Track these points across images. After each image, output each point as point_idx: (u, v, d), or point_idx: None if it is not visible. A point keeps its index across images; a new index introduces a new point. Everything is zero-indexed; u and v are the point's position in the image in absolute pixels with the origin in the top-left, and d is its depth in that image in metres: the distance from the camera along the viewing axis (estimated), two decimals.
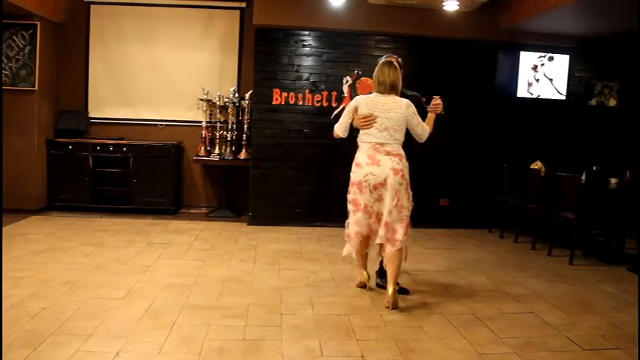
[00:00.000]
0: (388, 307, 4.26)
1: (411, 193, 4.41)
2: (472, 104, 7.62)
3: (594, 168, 6.56)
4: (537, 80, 7.67)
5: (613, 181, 6.11)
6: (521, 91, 7.68)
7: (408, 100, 4.42)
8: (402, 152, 4.40)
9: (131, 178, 7.61)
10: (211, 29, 7.98)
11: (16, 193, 7.19)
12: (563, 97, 7.75)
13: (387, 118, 4.34)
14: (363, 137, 4.43)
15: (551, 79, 7.69)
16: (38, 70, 7.27)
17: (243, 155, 7.67)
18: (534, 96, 7.68)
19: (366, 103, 4.40)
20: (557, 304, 4.52)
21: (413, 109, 4.39)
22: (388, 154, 4.34)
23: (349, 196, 4.49)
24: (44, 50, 7.37)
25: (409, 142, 4.55)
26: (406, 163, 4.39)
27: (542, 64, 7.65)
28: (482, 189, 7.64)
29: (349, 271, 5.28)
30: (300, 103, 7.33)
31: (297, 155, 7.36)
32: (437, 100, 4.65)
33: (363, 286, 4.77)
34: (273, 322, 3.90)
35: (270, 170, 7.36)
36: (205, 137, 7.78)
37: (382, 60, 4.54)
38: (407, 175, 4.37)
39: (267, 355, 3.37)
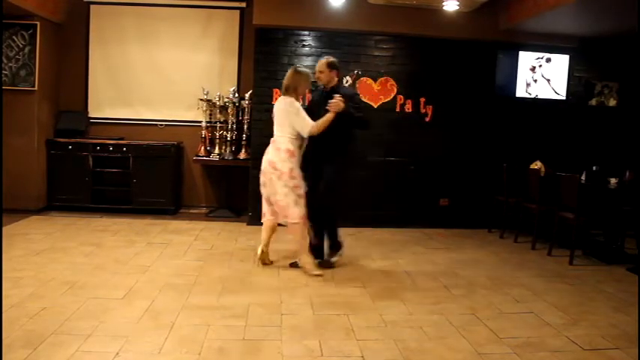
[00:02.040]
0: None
1: (293, 181, 5.02)
2: (472, 104, 7.62)
3: (594, 168, 6.55)
4: (535, 81, 7.67)
5: (613, 181, 6.10)
6: (521, 91, 7.67)
7: (291, 99, 5.10)
8: (288, 146, 5.04)
9: (131, 178, 7.60)
10: (211, 29, 7.98)
11: (16, 193, 7.19)
12: (561, 97, 7.74)
13: (277, 116, 5.17)
14: None
15: (548, 80, 7.68)
16: (38, 70, 7.27)
17: (242, 155, 7.66)
18: (532, 96, 7.67)
19: (276, 103, 5.30)
20: (557, 304, 4.52)
21: (294, 108, 5.06)
22: (275, 147, 5.09)
23: None
24: (44, 50, 7.36)
25: (345, 138, 5.23)
26: (285, 156, 5.00)
27: (540, 66, 7.65)
28: (482, 189, 7.64)
29: (350, 271, 5.30)
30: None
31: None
32: (334, 100, 5.04)
33: (264, 262, 5.37)
34: (273, 322, 3.90)
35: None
36: (205, 137, 7.78)
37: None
38: (281, 167, 5.00)
39: (266, 355, 3.37)
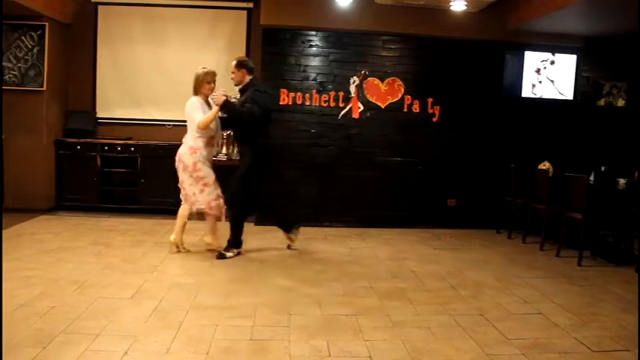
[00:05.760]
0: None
1: (197, 172, 5.45)
2: (479, 104, 7.61)
3: (602, 168, 6.53)
4: (540, 82, 7.64)
5: (621, 181, 6.08)
6: (527, 92, 7.65)
7: (192, 99, 5.50)
8: (191, 143, 5.48)
9: (139, 178, 7.62)
10: (218, 29, 7.99)
11: (24, 192, 7.25)
12: (568, 98, 7.69)
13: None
14: None
15: (552, 81, 7.65)
16: (47, 71, 7.30)
17: None
18: (537, 96, 7.65)
19: None
20: (565, 305, 4.51)
21: (189, 107, 5.48)
22: (184, 143, 5.56)
23: None
24: (52, 51, 7.40)
25: (251, 133, 5.50)
26: (187, 151, 5.46)
27: (545, 68, 7.62)
28: (490, 189, 7.62)
29: (357, 271, 5.30)
30: (308, 104, 7.33)
31: (304, 155, 7.36)
32: (215, 94, 5.40)
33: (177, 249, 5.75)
34: (281, 322, 3.90)
35: (278, 170, 7.34)
36: (213, 137, 7.76)
37: None
38: (185, 160, 5.45)
39: (274, 355, 3.38)
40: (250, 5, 7.88)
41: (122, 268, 5.07)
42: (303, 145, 7.37)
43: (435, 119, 7.50)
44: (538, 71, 7.63)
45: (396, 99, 7.45)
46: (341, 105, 7.36)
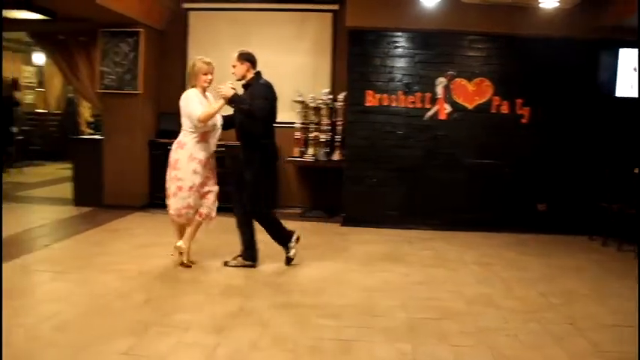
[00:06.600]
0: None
1: (175, 172, 5.00)
2: (571, 105, 7.30)
3: None
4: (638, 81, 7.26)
5: None
6: (624, 91, 7.27)
7: (187, 92, 5.05)
8: (180, 138, 5.08)
9: (227, 177, 7.81)
10: (304, 32, 8.10)
11: (121, 190, 7.70)
12: None
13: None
14: None
15: None
16: (141, 74, 7.68)
17: (336, 156, 7.72)
18: (635, 96, 7.26)
19: None
20: None
21: (184, 99, 5.01)
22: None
23: None
24: (147, 55, 7.76)
25: (255, 136, 5.10)
26: (175, 147, 5.07)
27: None
28: (583, 194, 7.30)
29: (443, 273, 5.25)
30: (394, 105, 7.30)
31: (390, 157, 7.34)
32: (223, 86, 4.95)
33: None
34: (366, 324, 3.92)
35: (364, 172, 7.38)
36: (299, 138, 7.88)
37: None
38: (172, 155, 5.08)
39: (359, 356, 3.40)
40: (336, 7, 7.94)
41: (211, 264, 5.25)
42: (389, 146, 7.35)
43: (524, 120, 7.28)
44: (636, 70, 7.26)
45: (484, 100, 7.28)
46: (427, 106, 7.29)
